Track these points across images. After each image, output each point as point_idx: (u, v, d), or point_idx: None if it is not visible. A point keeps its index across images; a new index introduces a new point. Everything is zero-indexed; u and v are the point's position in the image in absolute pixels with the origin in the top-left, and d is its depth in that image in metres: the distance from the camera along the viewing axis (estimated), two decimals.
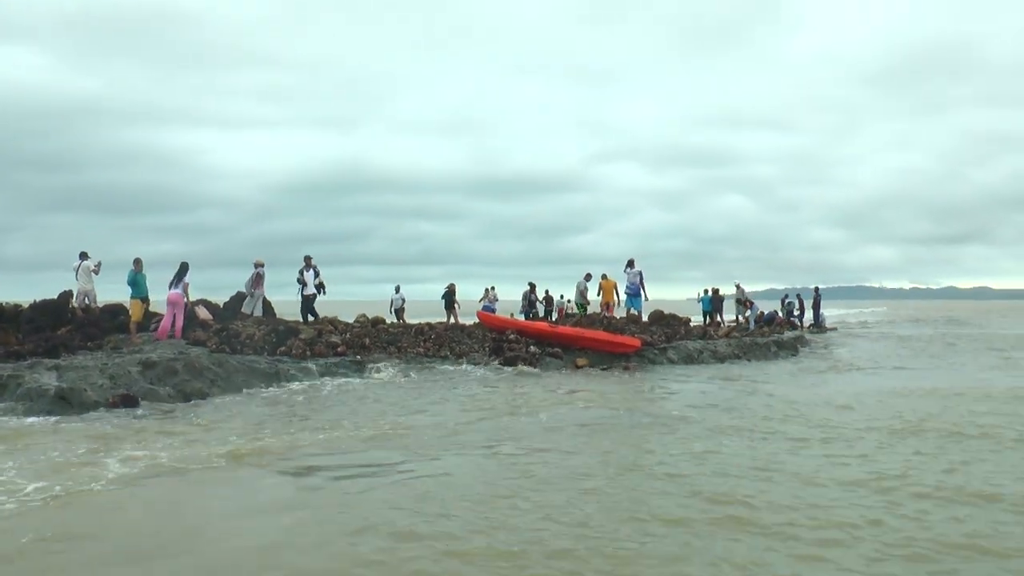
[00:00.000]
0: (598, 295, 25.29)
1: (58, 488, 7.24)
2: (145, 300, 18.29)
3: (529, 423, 11.04)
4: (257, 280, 20.07)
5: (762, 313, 33.50)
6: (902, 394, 14.33)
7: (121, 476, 7.79)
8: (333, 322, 19.93)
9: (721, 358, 21.10)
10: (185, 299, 18.05)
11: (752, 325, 29.44)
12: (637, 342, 19.91)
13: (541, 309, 31.44)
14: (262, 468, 8.27)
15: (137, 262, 18.15)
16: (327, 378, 15.88)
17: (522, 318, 26.65)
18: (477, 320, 22.33)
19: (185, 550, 5.68)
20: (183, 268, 18.08)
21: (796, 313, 34.59)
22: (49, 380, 12.91)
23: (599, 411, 12.23)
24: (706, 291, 31.19)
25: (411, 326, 20.94)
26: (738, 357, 21.51)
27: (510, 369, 17.86)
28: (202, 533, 6.07)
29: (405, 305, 30.31)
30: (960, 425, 10.68)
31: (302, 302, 20.07)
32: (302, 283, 19.84)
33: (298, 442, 9.60)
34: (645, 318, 25.36)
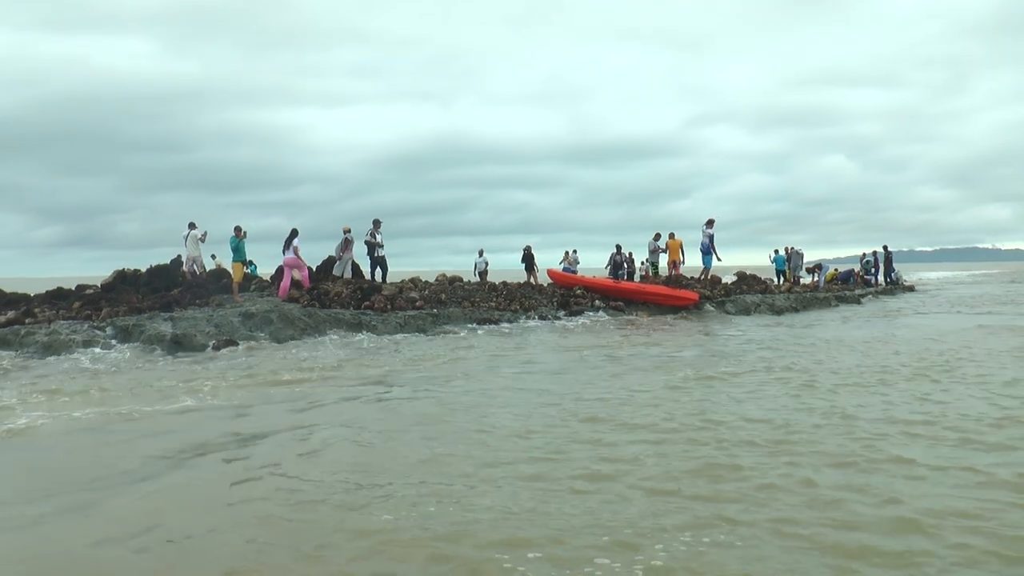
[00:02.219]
0: (664, 251, 26.38)
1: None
2: (245, 264, 20.43)
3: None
4: (346, 245, 21.95)
5: (836, 271, 33.96)
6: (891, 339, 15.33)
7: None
8: (414, 280, 21.71)
9: (778, 310, 22.03)
10: (300, 260, 20.00)
11: (822, 283, 30.08)
12: (695, 295, 21.07)
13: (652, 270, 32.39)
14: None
15: (238, 230, 20.25)
16: (403, 332, 17.56)
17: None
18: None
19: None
20: (292, 234, 20.08)
21: (872, 271, 34.90)
22: (165, 328, 15.05)
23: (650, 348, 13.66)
24: (777, 251, 31.79)
25: (485, 283, 22.53)
26: (795, 310, 22.39)
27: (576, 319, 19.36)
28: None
29: (488, 268, 32.00)
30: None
31: (372, 262, 21.80)
32: (375, 244, 21.54)
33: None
34: (729, 279, 26.34)
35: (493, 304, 20.18)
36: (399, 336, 16.66)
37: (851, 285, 32.45)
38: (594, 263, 33.07)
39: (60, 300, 19.63)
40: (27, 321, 16.29)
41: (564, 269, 30.87)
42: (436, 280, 22.60)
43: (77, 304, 18.72)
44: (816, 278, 30.93)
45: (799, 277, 30.45)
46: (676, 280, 24.93)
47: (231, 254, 20.44)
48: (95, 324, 15.65)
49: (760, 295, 22.94)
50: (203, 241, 22.50)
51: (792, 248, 30.76)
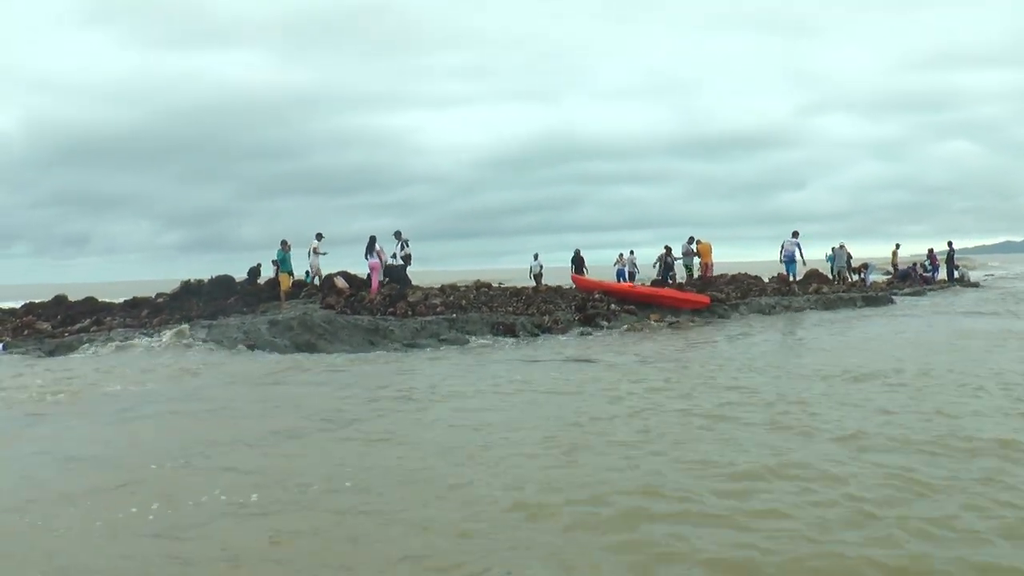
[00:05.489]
0: (697, 254, 27.70)
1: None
2: (291, 274, 22.89)
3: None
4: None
5: (894, 270, 34.10)
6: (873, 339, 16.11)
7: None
8: (443, 287, 23.64)
9: (797, 310, 22.90)
10: (381, 262, 22.78)
11: (868, 283, 30.46)
12: (706, 299, 22.21)
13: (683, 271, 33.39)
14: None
15: (284, 243, 22.72)
16: (419, 336, 19.39)
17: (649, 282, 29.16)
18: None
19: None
20: (372, 240, 22.85)
21: (930, 269, 34.78)
22: (201, 335, 17.48)
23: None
24: (833, 248, 32.13)
25: (508, 289, 24.18)
26: (813, 310, 23.19)
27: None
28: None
29: (543, 271, 33.75)
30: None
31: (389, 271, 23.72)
32: (392, 256, 23.58)
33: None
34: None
35: (511, 309, 21.79)
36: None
37: (903, 283, 32.53)
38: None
39: (134, 308, 22.51)
40: (92, 329, 19.10)
41: (619, 271, 32.55)
42: (464, 287, 24.44)
43: (145, 312, 21.54)
44: (863, 276, 31.21)
45: (846, 276, 30.76)
46: (707, 281, 26.27)
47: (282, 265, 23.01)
48: (145, 332, 18.24)
49: (777, 296, 23.79)
50: (317, 253, 24.54)
51: (835, 247, 31.09)
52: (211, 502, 6.32)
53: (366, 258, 22.86)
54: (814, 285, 27.31)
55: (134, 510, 6.14)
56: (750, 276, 29.32)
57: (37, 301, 25.04)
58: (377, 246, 22.83)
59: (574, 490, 6.24)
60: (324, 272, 24.18)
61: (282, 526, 5.72)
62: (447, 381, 12.32)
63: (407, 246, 23.32)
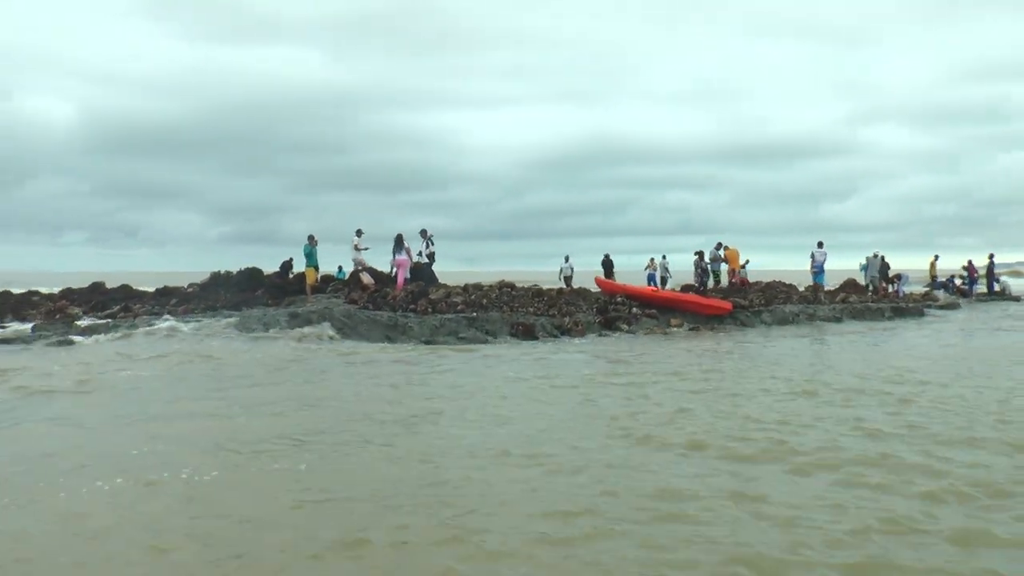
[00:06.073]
0: (724, 260, 27.62)
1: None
2: (317, 268, 23.25)
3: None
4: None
5: (932, 279, 33.52)
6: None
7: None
8: (467, 286, 23.80)
9: (821, 319, 22.66)
10: (411, 260, 23.10)
11: (901, 293, 29.97)
12: (729, 305, 22.08)
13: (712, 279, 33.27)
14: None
15: (311, 238, 23.06)
16: (437, 334, 19.54)
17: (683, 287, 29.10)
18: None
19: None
20: (399, 239, 23.06)
21: (967, 281, 34.16)
22: (221, 324, 17.87)
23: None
24: (868, 257, 31.69)
25: (530, 289, 24.24)
26: (839, 319, 22.90)
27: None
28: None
29: (574, 273, 33.79)
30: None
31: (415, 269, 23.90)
32: (418, 254, 23.79)
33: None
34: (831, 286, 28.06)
35: (532, 310, 21.83)
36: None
37: (936, 294, 31.98)
38: (757, 264, 33.30)
39: (163, 297, 23.08)
40: (120, 315, 19.63)
41: (649, 275, 32.56)
42: (487, 286, 24.57)
43: (173, 301, 22.06)
44: (896, 287, 30.71)
45: (878, 285, 30.26)
46: (734, 287, 26.20)
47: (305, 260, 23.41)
48: (168, 319, 18.70)
49: (801, 305, 23.55)
50: (358, 249, 24.96)
51: (870, 256, 30.60)
52: (167, 480, 6.56)
53: (393, 255, 23.07)
54: (841, 294, 26.96)
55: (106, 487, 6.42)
56: (783, 284, 29.05)
57: (75, 287, 25.83)
58: (406, 244, 23.06)
59: (518, 489, 6.38)
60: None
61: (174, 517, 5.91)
62: (445, 376, 12.49)
63: (431, 244, 23.54)
